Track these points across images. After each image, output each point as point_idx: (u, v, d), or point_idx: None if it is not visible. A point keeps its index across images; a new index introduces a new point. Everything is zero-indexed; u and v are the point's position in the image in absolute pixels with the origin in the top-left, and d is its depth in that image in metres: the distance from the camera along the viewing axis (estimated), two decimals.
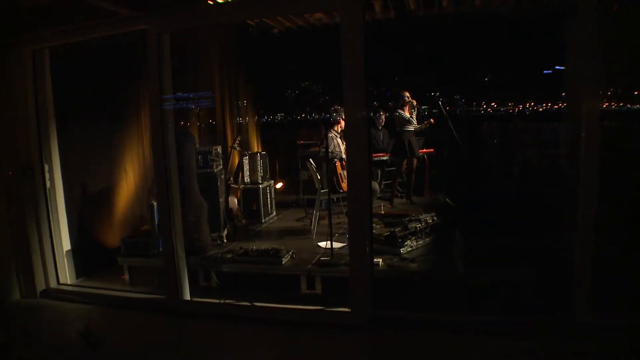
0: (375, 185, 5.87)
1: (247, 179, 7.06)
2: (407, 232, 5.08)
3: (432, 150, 8.47)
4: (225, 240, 5.92)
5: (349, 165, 4.04)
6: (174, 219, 4.60)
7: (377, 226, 6.32)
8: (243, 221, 6.96)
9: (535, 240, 4.46)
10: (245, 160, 7.03)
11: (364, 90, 3.84)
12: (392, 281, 4.54)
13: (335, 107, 6.39)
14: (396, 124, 7.59)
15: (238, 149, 6.71)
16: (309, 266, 4.83)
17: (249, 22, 8.89)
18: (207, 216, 5.59)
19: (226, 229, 6.09)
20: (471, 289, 4.24)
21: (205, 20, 4.50)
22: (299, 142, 8.27)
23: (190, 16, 4.42)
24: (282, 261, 4.91)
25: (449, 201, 5.80)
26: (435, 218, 5.45)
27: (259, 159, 7.02)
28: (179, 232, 4.67)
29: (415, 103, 7.49)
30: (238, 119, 9.49)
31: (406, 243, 5.02)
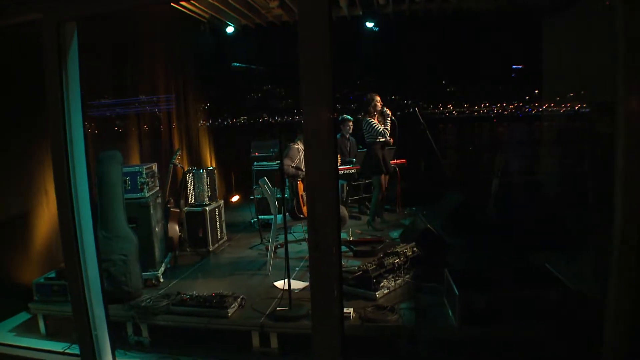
0: (344, 211, 4.90)
1: (191, 200, 5.99)
2: (382, 269, 4.13)
3: (403, 161, 7.58)
4: (161, 280, 4.87)
5: (309, 184, 3.05)
6: (86, 261, 3.53)
7: (345, 256, 5.37)
8: (188, 249, 5.91)
9: (546, 283, 3.57)
10: (189, 178, 5.96)
11: (330, 81, 2.84)
12: (368, 340, 3.58)
13: None
14: (364, 134, 6.58)
15: (179, 164, 5.64)
16: (262, 319, 3.82)
17: (200, 18, 7.97)
18: (137, 253, 4.52)
19: (163, 266, 5.03)
20: (469, 352, 3.33)
21: (121, 3, 3.44)
22: (253, 155, 7.21)
23: None
24: (227, 313, 3.89)
25: (431, 228, 4.88)
26: (415, 249, 4.52)
27: (205, 175, 5.95)
28: (94, 277, 3.60)
29: (389, 113, 6.44)
30: (186, 125, 8.45)
31: (382, 284, 4.07)
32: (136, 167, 4.75)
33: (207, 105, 9.43)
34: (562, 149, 9.67)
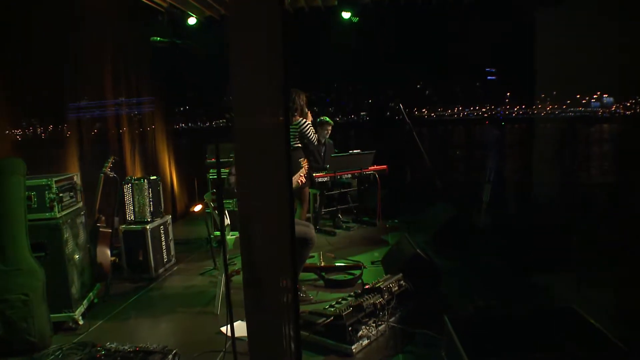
0: (310, 231, 3.90)
1: (130, 216, 4.96)
2: (361, 314, 3.15)
3: (384, 167, 6.64)
4: (81, 322, 3.82)
5: (243, 216, 2.08)
6: None
7: (314, 285, 4.41)
8: (126, 276, 4.87)
9: (583, 337, 2.62)
10: (127, 190, 4.92)
11: (283, 71, 1.89)
12: None
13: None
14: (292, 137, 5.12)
15: (111, 174, 4.60)
16: None
17: (157, 7, 7.01)
18: (44, 289, 3.48)
19: (85, 303, 3.98)
20: None
21: None
22: (209, 161, 6.18)
23: None
24: None
25: (422, 253, 3.92)
26: (402, 283, 3.56)
27: (146, 186, 4.92)
28: None
29: (310, 117, 5.17)
30: (140, 127, 7.41)
31: (360, 333, 3.10)
32: (43, 179, 3.68)
33: (163, 105, 8.36)
34: (558, 152, 9.00)
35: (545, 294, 4.00)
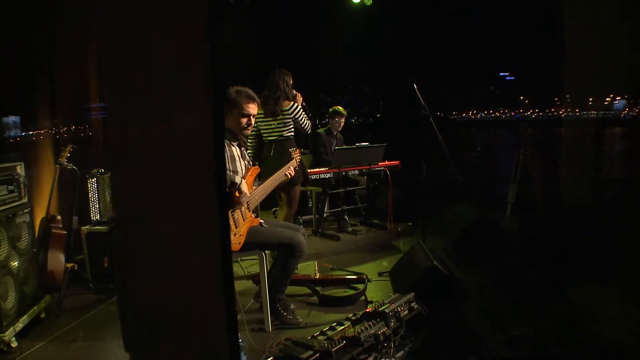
0: (297, 236, 3.10)
1: (94, 216, 4.24)
2: (357, 349, 2.36)
3: (396, 162, 5.85)
4: (14, 344, 3.09)
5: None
6: None
7: (308, 302, 3.64)
8: (91, 286, 4.14)
9: None
10: (91, 185, 4.20)
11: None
12: None
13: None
14: (281, 127, 4.29)
15: (68, 165, 3.88)
16: None
17: None
18: None
19: (23, 320, 3.25)
20: None
21: None
22: None
23: None
24: None
25: (439, 266, 3.12)
26: (414, 305, 2.77)
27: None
28: None
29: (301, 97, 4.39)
30: None
31: None
32: None
33: None
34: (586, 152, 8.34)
35: (594, 319, 3.18)
